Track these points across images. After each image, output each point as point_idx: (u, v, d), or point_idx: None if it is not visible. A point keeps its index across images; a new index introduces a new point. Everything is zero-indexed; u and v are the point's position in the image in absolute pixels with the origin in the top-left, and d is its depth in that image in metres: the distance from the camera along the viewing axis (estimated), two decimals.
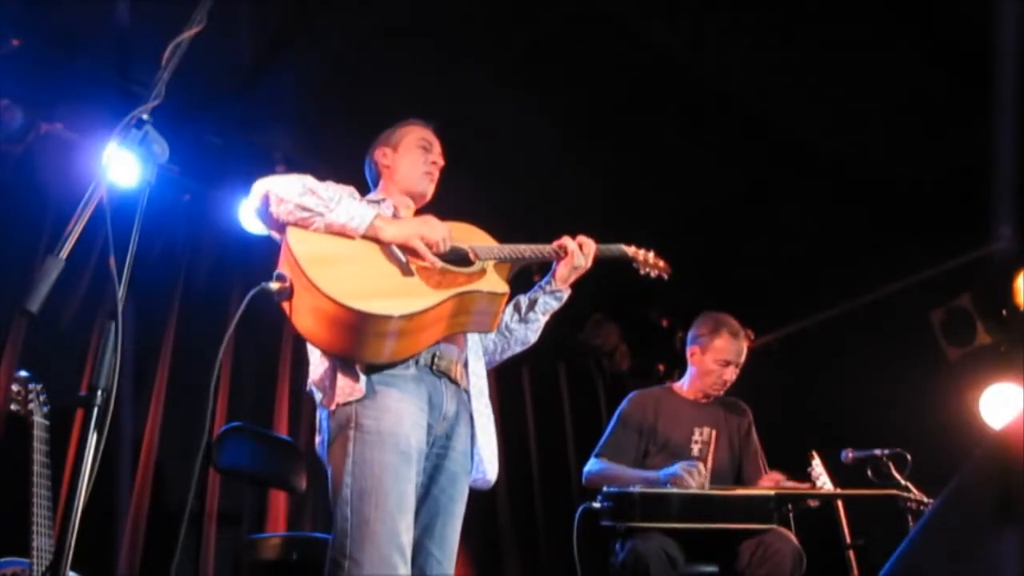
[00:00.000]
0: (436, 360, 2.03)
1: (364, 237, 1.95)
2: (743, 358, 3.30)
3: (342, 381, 1.92)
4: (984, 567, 1.09)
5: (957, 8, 3.13)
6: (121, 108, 1.54)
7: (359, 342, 1.88)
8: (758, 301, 4.78)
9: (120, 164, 1.53)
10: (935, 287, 4.63)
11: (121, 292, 1.42)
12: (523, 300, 2.34)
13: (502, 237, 2.22)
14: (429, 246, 1.97)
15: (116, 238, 1.40)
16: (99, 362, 1.38)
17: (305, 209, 1.93)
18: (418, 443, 1.91)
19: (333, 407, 1.92)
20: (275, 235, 2.04)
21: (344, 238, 1.95)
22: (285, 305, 1.95)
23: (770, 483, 3.05)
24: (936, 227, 4.21)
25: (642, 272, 2.50)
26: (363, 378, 1.90)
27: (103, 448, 1.33)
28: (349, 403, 1.89)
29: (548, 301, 2.31)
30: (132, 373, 3.31)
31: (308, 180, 2.00)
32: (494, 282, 2.07)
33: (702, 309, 3.47)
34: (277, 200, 1.94)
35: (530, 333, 2.33)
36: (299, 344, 3.49)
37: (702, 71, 3.53)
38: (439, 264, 1.99)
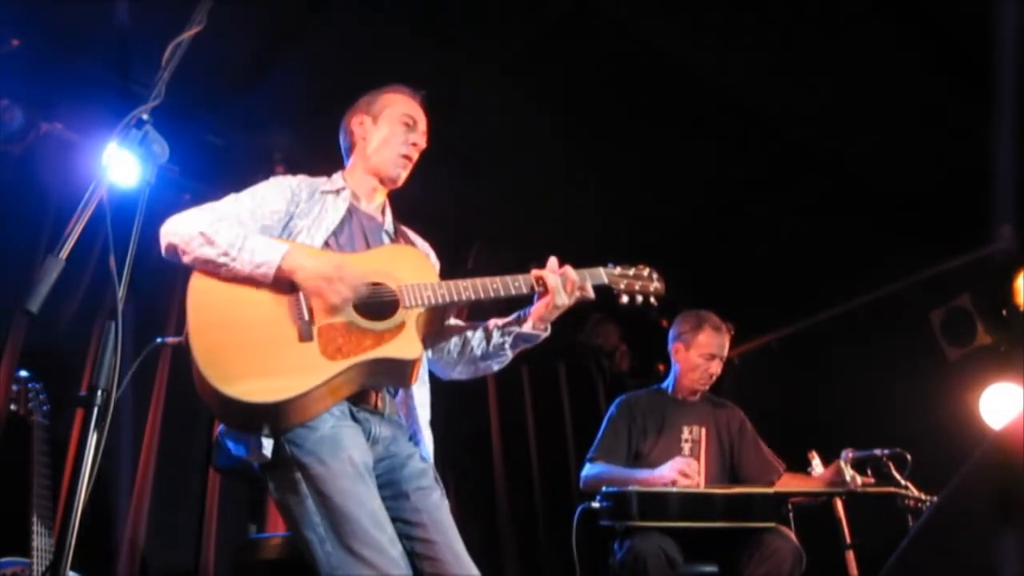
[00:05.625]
0: (352, 411, 1.90)
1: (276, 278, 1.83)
2: (726, 351, 3.35)
3: (251, 443, 1.79)
4: (984, 567, 1.08)
5: (957, 9, 3.14)
6: (121, 108, 1.54)
7: (244, 420, 1.78)
8: (758, 301, 4.78)
9: (120, 164, 1.53)
10: (935, 287, 4.63)
11: (121, 292, 1.42)
12: (495, 331, 2.09)
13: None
14: (327, 303, 1.83)
15: (116, 238, 1.40)
16: (99, 362, 1.38)
17: (207, 261, 1.83)
18: (363, 458, 1.79)
19: (256, 465, 1.81)
20: None
21: (251, 285, 1.83)
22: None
23: (792, 484, 3.05)
24: (936, 227, 4.21)
25: (624, 300, 2.14)
26: (266, 442, 1.77)
27: (103, 448, 1.34)
28: (279, 451, 1.77)
29: (520, 341, 2.07)
30: (132, 373, 3.30)
31: (205, 222, 1.86)
32: (405, 344, 1.85)
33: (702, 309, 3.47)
34: (180, 251, 1.86)
35: (495, 365, 2.14)
36: None
37: (702, 71, 3.52)
38: (346, 318, 1.83)
